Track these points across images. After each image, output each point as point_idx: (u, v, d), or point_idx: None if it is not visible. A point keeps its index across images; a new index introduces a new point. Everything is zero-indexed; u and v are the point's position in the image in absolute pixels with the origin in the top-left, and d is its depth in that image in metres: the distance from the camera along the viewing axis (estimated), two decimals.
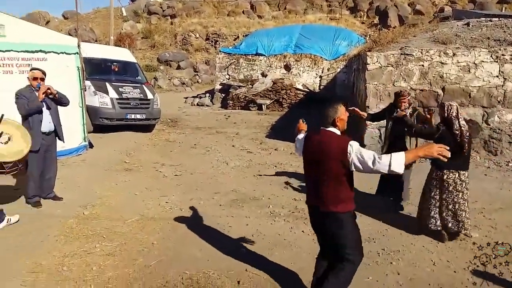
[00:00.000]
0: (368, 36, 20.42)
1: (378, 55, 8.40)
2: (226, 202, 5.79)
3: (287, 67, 17.32)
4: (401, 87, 8.27)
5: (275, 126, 12.10)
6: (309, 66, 17.21)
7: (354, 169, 2.89)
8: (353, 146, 2.87)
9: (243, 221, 5.12)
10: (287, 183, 6.71)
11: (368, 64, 8.41)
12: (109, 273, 3.76)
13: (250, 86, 16.58)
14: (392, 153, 2.80)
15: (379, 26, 27.52)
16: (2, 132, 4.47)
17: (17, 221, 4.75)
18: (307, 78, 17.07)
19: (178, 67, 26.53)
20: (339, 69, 16.58)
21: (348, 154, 2.86)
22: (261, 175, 7.16)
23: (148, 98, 11.14)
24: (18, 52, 6.93)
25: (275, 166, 7.79)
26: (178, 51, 28.57)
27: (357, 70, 11.17)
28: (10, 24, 6.82)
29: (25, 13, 33.73)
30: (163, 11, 35.25)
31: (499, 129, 8.07)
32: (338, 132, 3.06)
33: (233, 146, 9.59)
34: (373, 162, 2.77)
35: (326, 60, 17.11)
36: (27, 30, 7.14)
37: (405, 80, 8.38)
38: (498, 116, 8.06)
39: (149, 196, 5.95)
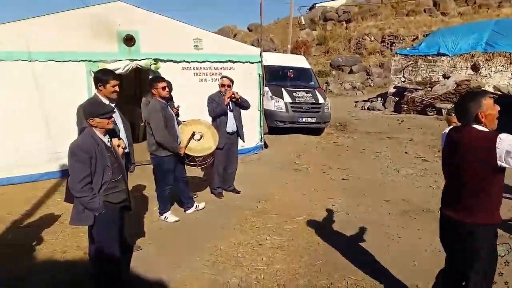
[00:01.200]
0: None
1: None
2: (396, 212, 5.47)
3: (475, 68, 15.31)
4: None
5: None
6: (503, 66, 14.84)
7: (507, 165, 2.40)
8: (504, 138, 2.40)
9: (415, 234, 4.75)
10: None
11: None
12: (278, 266, 3.98)
13: (429, 89, 15.25)
14: None
15: None
16: (195, 132, 5.22)
17: (203, 208, 5.48)
18: (500, 80, 14.74)
19: (350, 71, 26.33)
20: None
21: (497, 149, 2.40)
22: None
23: (319, 102, 11.40)
24: (212, 62, 7.97)
25: None
26: (351, 55, 28.38)
27: None
28: (206, 38, 7.90)
29: (217, 28, 38.68)
30: (339, 16, 35.54)
31: None
32: (484, 129, 2.57)
33: (405, 153, 9.00)
34: None
35: None
36: (218, 43, 8.17)
37: None
38: None
39: (315, 197, 6.08)
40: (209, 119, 5.87)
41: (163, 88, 4.78)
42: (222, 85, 5.85)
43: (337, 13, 36.00)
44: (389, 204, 5.75)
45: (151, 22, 7.20)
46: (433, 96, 14.61)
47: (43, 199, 5.72)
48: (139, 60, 7.07)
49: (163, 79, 4.89)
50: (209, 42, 7.90)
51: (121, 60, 6.90)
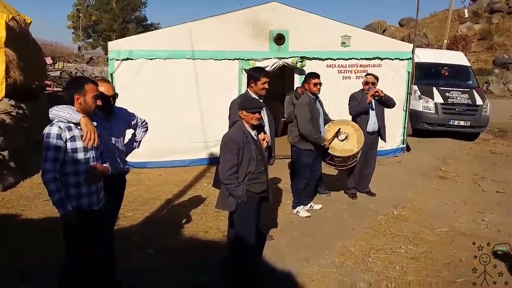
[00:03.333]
0: None
1: None
2: None
3: None
4: None
5: None
6: None
7: None
8: None
9: None
10: None
11: None
12: (411, 277, 3.77)
13: None
14: None
15: None
16: (341, 130, 5.23)
17: (319, 209, 5.38)
18: None
19: None
20: None
21: None
22: None
23: (477, 104, 10.22)
24: (358, 59, 7.85)
25: None
26: None
27: None
28: (354, 35, 7.79)
29: (366, 23, 37.45)
30: (509, 7, 30.88)
31: None
32: None
33: None
34: None
35: None
36: (366, 39, 7.99)
37: None
38: None
39: (462, 209, 5.52)
40: (349, 118, 5.83)
41: (315, 85, 4.99)
42: (366, 83, 5.73)
43: (507, 4, 31.32)
44: None
45: (301, 20, 7.43)
46: None
47: (192, 183, 6.45)
48: (287, 58, 7.38)
49: (317, 76, 5.06)
50: (357, 38, 7.80)
51: (270, 58, 7.31)
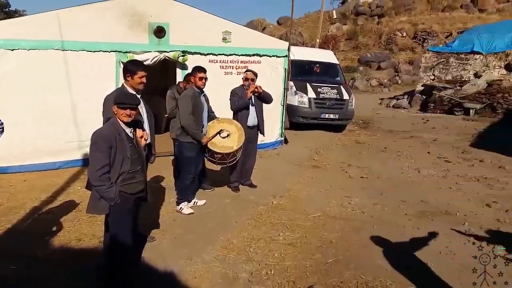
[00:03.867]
0: None
1: None
2: (414, 213, 5.40)
3: (509, 67, 14.77)
4: None
5: (484, 134, 10.56)
6: None
7: None
8: None
9: (431, 236, 4.69)
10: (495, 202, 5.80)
11: None
12: (288, 262, 4.02)
13: (458, 87, 14.84)
14: None
15: None
16: (224, 129, 5.30)
17: (203, 205, 5.41)
18: None
19: (378, 68, 25.86)
20: None
21: None
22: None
23: (344, 98, 11.30)
24: (239, 55, 8.03)
25: (478, 180, 6.82)
26: (381, 51, 27.84)
27: None
28: (235, 31, 7.93)
29: (247, 21, 38.64)
30: (372, 11, 34.82)
31: None
32: None
33: (428, 153, 8.84)
34: None
35: None
36: (246, 36, 8.20)
37: None
38: None
39: (332, 195, 6.08)
40: (230, 112, 5.95)
41: (200, 78, 4.98)
42: (246, 79, 5.90)
43: (370, 8, 35.28)
44: (407, 205, 5.68)
45: (182, 14, 7.30)
46: (462, 96, 14.22)
47: (64, 187, 5.92)
48: (168, 52, 7.21)
49: (203, 70, 5.03)
50: (237, 35, 7.94)
51: (150, 51, 7.05)
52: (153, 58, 7.08)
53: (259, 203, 5.64)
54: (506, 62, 14.94)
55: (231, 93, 5.92)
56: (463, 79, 15.54)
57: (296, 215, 5.22)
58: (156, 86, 10.33)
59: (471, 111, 13.68)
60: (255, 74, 5.95)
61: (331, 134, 10.96)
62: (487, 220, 5.17)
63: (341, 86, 11.73)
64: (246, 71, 6.12)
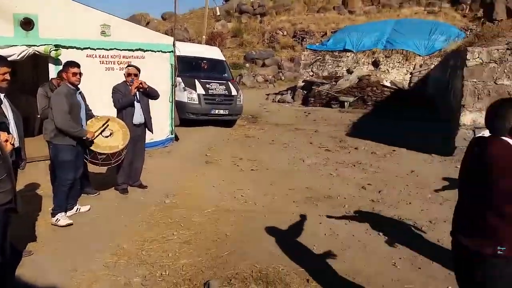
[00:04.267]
0: (469, 30, 18.76)
1: (480, 51, 7.67)
2: (300, 199, 5.75)
3: (375, 64, 16.63)
4: (504, 85, 7.49)
5: (357, 124, 11.73)
6: (399, 62, 16.34)
7: None
8: None
9: (316, 220, 5.04)
10: (368, 185, 6.47)
11: (468, 60, 7.73)
12: (183, 260, 3.94)
13: (334, 83, 16.23)
14: None
15: (482, 19, 25.01)
16: (107, 126, 4.93)
17: (87, 211, 5.00)
18: (396, 75, 16.21)
19: (263, 65, 26.93)
20: (432, 65, 15.49)
21: None
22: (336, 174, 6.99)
23: (232, 94, 11.51)
24: (120, 50, 7.57)
25: (354, 166, 7.54)
26: (264, 49, 28.99)
27: (454, 67, 10.33)
28: (115, 24, 7.46)
29: (129, 15, 36.87)
30: (254, 9, 35.98)
31: None
32: None
33: (310, 143, 9.49)
34: None
35: (419, 56, 16.10)
36: (129, 30, 7.79)
37: (509, 77, 7.53)
38: None
39: (225, 189, 6.14)
40: (114, 110, 5.61)
41: (74, 74, 4.51)
42: (128, 75, 5.62)
43: (252, 7, 36.43)
44: (294, 192, 6.02)
45: (53, 4, 6.66)
46: (337, 90, 15.57)
47: None
48: (38, 46, 6.50)
49: (77, 65, 4.56)
50: (119, 28, 7.49)
51: (16, 45, 6.29)
52: (21, 53, 6.33)
53: (150, 204, 5.42)
54: (373, 59, 16.77)
55: (113, 90, 5.58)
56: (337, 75, 17.00)
57: (190, 212, 5.14)
58: (26, 83, 9.29)
59: (345, 104, 15.06)
60: (138, 69, 5.69)
61: (222, 129, 11.07)
62: (363, 200, 5.74)
63: (229, 83, 11.92)
64: (128, 66, 5.83)
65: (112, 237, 4.38)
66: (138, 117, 5.69)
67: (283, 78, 25.78)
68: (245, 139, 10.13)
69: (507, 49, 7.50)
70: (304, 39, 28.84)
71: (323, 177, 6.87)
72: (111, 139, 4.98)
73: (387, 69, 16.43)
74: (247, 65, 27.00)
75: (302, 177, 6.85)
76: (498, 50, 7.56)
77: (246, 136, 10.48)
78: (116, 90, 5.57)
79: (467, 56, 7.70)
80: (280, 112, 14.55)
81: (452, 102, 9.54)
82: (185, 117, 10.71)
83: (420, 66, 16.04)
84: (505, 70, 7.53)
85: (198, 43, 23.15)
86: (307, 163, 7.73)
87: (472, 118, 7.76)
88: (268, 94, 19.20)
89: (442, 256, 3.97)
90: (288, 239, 4.46)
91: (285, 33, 30.53)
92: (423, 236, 4.64)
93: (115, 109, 5.62)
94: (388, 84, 15.47)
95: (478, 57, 7.66)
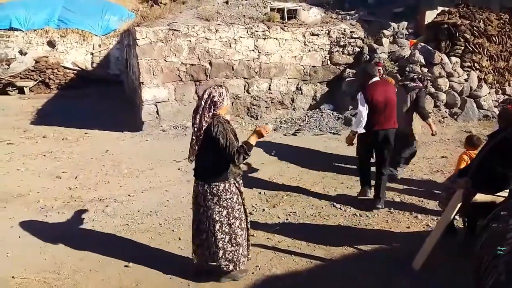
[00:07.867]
0: (139, 11, 20.04)
1: (147, 31, 8.34)
2: None
3: (51, 44, 15.41)
4: (173, 62, 8.52)
5: (42, 111, 10.74)
6: (77, 42, 15.74)
7: None
8: None
9: (8, 224, 4.44)
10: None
11: (138, 39, 8.26)
12: None
13: (6, 66, 14.09)
14: None
15: (150, 2, 27.31)
16: None
17: None
18: (77, 56, 15.61)
19: None
20: (111, 46, 15.82)
21: None
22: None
23: None
24: None
25: (44, 156, 6.92)
26: None
27: (128, 46, 10.89)
28: None
29: None
30: None
31: (258, 97, 9.29)
32: None
33: None
34: None
35: (96, 36, 15.99)
36: None
37: (175, 55, 8.60)
38: (256, 86, 9.24)
39: None
40: None
41: None
42: None
43: None
44: None
45: None
46: (11, 74, 13.64)
47: None
48: None
49: None
50: None
51: None
52: None
53: None
54: (47, 39, 15.42)
55: None
56: (9, 57, 14.79)
57: None
58: None
59: (25, 89, 13.42)
60: None
61: None
62: (60, 191, 5.42)
63: None
64: None
65: None
66: None
67: None
68: None
69: (169, 29, 8.50)
70: None
71: (10, 175, 6.01)
72: None
73: (66, 50, 15.54)
74: None
75: None
76: (162, 30, 8.45)
77: None
78: None
79: (137, 36, 8.24)
80: None
81: (133, 79, 10.12)
82: None
83: (99, 46, 16.02)
84: (171, 49, 8.54)
85: None
86: None
87: (152, 93, 8.50)
88: None
89: None
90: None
91: None
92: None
93: None
94: (69, 65, 14.76)
95: (146, 37, 8.31)
